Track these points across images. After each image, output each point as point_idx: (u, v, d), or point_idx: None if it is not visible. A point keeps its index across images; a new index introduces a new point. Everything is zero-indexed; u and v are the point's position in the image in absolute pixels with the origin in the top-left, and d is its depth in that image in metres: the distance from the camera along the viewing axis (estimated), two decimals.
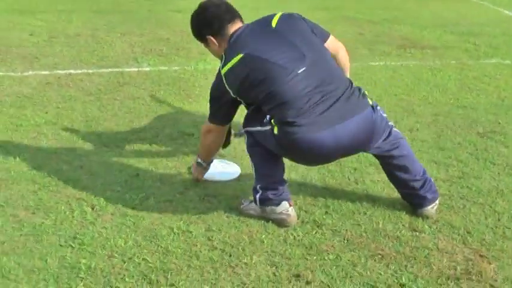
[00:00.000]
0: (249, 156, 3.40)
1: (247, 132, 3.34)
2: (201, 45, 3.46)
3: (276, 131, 3.09)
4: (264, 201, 3.37)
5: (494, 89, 6.05)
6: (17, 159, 4.06)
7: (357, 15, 10.03)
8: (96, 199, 3.55)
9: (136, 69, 6.35)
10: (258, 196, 3.38)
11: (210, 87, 3.28)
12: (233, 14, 3.29)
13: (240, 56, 3.08)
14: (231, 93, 3.17)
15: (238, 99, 3.21)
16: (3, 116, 4.88)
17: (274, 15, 3.24)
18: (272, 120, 3.10)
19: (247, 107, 3.35)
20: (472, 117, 5.21)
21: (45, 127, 4.68)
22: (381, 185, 3.80)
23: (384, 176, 3.55)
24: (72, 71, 6.21)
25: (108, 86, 5.77)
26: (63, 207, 3.43)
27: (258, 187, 3.39)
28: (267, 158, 3.33)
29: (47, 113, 4.99)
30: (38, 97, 5.37)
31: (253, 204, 3.45)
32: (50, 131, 4.61)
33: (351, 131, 3.05)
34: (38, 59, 6.58)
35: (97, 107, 5.18)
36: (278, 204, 3.34)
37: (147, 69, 6.39)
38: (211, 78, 3.18)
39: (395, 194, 3.57)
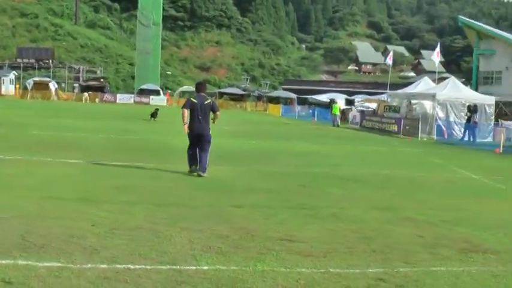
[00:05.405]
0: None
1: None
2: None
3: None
4: None
5: None
6: None
7: (416, 216, 9.90)
8: None
9: (194, 268, 6.30)
10: None
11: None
12: (203, 88, 14.35)
13: (196, 101, 13.75)
14: (189, 102, 13.85)
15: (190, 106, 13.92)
16: None
17: (207, 99, 14.03)
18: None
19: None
20: None
21: None
22: None
23: None
24: (130, 266, 6.21)
25: (165, 284, 5.72)
26: None
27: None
28: None
29: None
30: None
31: None
32: None
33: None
34: (98, 251, 6.63)
35: None
36: None
37: (205, 267, 6.32)
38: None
39: None
